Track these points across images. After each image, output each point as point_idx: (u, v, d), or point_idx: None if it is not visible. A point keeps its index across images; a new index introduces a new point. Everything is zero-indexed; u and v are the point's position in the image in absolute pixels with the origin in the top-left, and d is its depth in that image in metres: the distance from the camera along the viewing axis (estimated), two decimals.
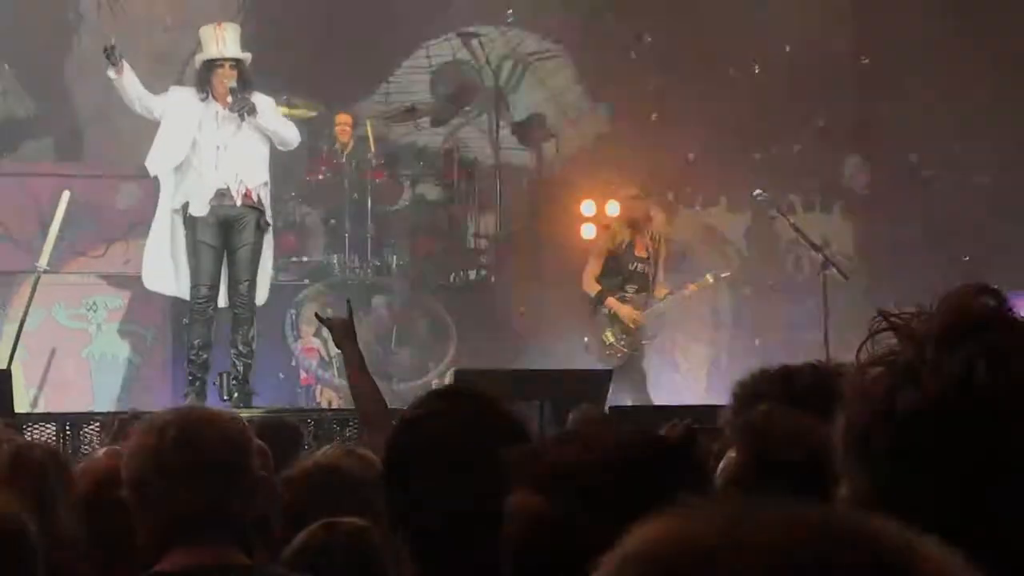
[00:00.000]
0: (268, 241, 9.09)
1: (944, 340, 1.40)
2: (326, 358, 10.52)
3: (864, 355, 1.47)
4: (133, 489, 2.75)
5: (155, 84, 11.53)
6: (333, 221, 10.92)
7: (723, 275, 10.84)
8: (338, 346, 4.80)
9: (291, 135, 8.99)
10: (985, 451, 1.37)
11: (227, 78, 8.74)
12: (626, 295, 10.29)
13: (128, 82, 8.81)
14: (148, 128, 9.38)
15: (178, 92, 9.09)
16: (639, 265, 10.38)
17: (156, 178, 9.05)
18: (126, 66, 8.78)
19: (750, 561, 0.90)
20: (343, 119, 11.16)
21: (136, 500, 2.74)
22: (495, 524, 2.18)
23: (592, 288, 10.26)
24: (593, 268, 10.33)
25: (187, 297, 8.92)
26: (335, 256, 10.84)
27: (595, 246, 10.63)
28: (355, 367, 4.65)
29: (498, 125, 11.96)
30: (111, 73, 8.79)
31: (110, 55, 8.73)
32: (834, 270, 10.29)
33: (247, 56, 8.90)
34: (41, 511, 3.33)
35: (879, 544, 0.93)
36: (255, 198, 8.86)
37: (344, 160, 10.84)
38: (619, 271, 10.34)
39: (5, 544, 2.41)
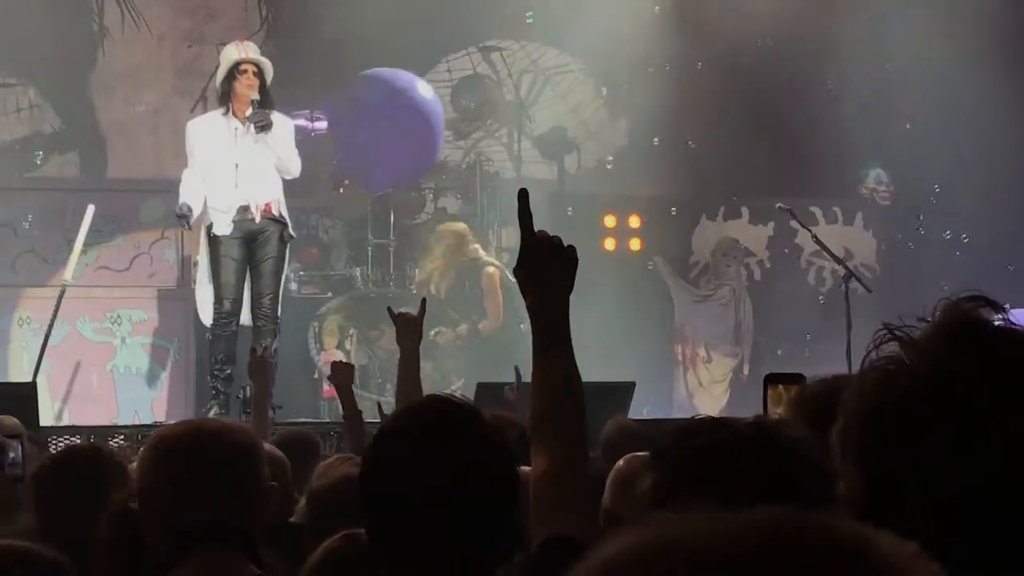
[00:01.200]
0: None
1: (936, 343, 1.45)
2: None
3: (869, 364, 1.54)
4: (143, 499, 2.77)
5: (177, 101, 11.64)
6: (355, 234, 10.96)
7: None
8: (398, 342, 4.80)
9: (294, 165, 8.98)
10: (968, 445, 1.41)
11: (250, 83, 8.78)
12: None
13: (197, 206, 8.79)
14: (171, 143, 9.45)
15: (195, 125, 9.10)
16: None
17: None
18: (193, 209, 8.77)
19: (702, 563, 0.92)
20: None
21: (146, 510, 2.76)
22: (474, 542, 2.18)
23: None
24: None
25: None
26: (358, 269, 10.87)
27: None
28: (405, 367, 4.67)
29: (519, 138, 11.99)
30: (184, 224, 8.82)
31: (183, 217, 8.74)
32: (857, 282, 10.28)
33: (268, 64, 8.94)
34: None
35: (833, 539, 0.95)
36: (276, 212, 8.90)
37: None
38: None
39: None
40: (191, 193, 8.83)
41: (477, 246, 10.65)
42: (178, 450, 2.75)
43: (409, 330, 4.76)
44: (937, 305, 1.50)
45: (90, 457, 3.84)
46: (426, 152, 11.15)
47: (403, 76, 11.21)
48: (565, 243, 2.61)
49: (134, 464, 4.02)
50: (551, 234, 2.62)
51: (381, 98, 11.12)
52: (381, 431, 2.46)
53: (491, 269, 10.57)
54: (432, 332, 10.32)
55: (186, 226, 8.93)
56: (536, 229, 2.60)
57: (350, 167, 10.99)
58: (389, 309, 5.09)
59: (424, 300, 4.91)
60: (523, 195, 2.62)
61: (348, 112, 11.21)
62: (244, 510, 2.71)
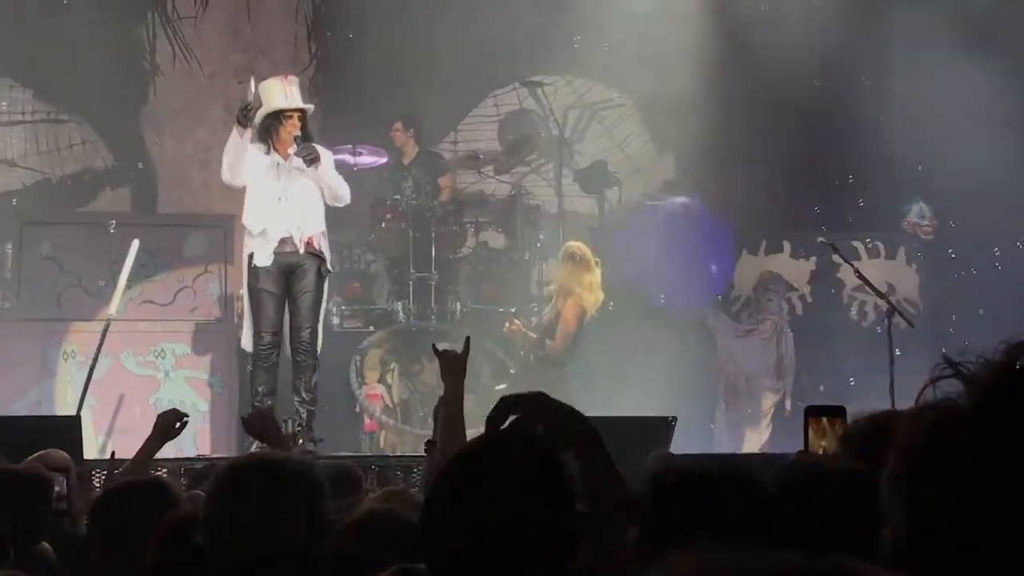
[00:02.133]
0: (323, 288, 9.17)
1: (998, 387, 1.41)
2: (390, 405, 10.57)
3: (924, 399, 1.49)
4: (208, 528, 2.79)
5: (226, 135, 11.69)
6: (397, 269, 11.00)
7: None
8: (443, 379, 4.79)
9: (344, 192, 9.06)
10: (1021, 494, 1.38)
11: (294, 128, 8.86)
12: None
13: (244, 147, 8.82)
14: (218, 178, 9.48)
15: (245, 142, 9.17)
16: None
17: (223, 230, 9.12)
18: (249, 132, 8.82)
19: None
20: (396, 125, 11.33)
21: (211, 539, 2.78)
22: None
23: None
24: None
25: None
26: (399, 303, 10.90)
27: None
28: (448, 405, 4.65)
29: (561, 173, 12.01)
30: (236, 130, 8.82)
31: (245, 115, 8.75)
32: (900, 317, 10.23)
33: (311, 107, 9.03)
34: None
35: None
36: (316, 246, 8.95)
37: (409, 203, 10.91)
38: None
39: None
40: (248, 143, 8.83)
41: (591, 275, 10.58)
42: (245, 482, 2.78)
43: (453, 368, 4.74)
44: (999, 346, 1.46)
45: (148, 489, 3.86)
46: None
47: None
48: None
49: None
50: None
51: None
52: (446, 467, 2.46)
53: (579, 300, 10.53)
54: (507, 324, 10.38)
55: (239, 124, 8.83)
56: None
57: None
58: (434, 346, 5.06)
59: (468, 338, 4.88)
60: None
61: None
62: (306, 541, 2.72)
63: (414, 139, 11.44)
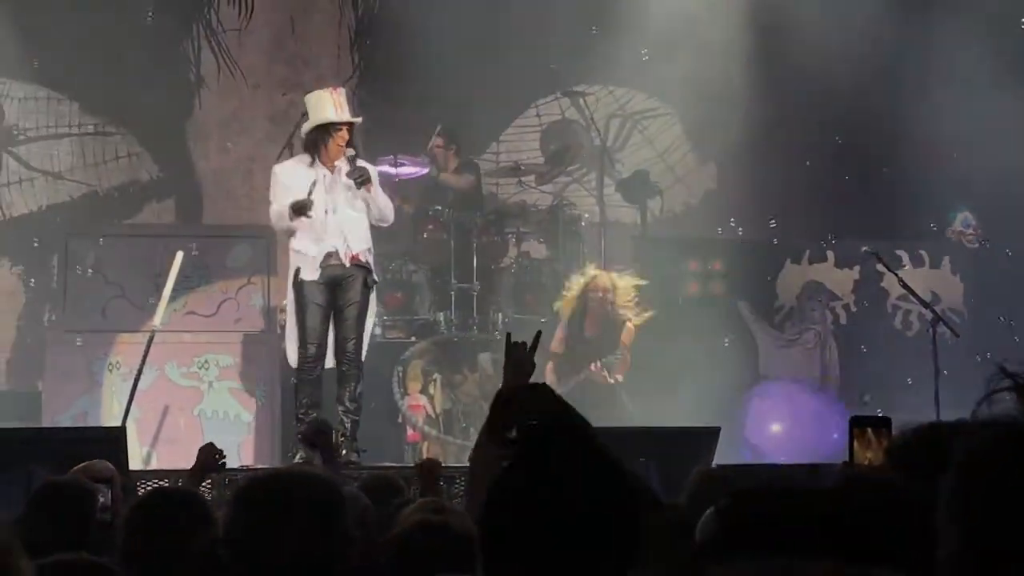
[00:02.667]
0: (371, 299, 9.17)
1: None
2: (432, 415, 10.58)
3: (981, 412, 1.46)
4: (228, 543, 2.81)
5: (271, 148, 11.79)
6: (439, 279, 11.02)
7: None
8: (503, 370, 4.72)
9: (390, 213, 9.06)
10: None
11: (343, 141, 8.86)
12: None
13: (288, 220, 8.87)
14: (264, 189, 9.54)
15: (283, 168, 9.15)
16: None
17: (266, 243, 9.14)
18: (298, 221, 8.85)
19: None
20: (436, 141, 11.35)
21: (231, 554, 2.79)
22: None
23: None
24: None
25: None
26: (441, 314, 10.91)
27: None
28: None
29: (603, 183, 12.01)
30: (287, 213, 8.84)
31: (299, 210, 8.80)
32: (944, 326, 10.17)
33: (359, 120, 9.03)
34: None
35: None
36: (362, 259, 8.96)
37: (451, 215, 10.94)
38: None
39: None
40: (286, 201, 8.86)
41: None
42: (262, 497, 2.79)
43: (519, 365, 4.66)
44: None
45: (177, 500, 3.88)
46: None
47: None
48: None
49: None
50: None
51: None
52: (504, 469, 2.43)
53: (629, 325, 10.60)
54: (592, 366, 10.40)
55: (309, 211, 8.84)
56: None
57: None
58: (508, 335, 4.88)
59: (539, 332, 4.69)
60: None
61: None
62: (325, 557, 2.73)
63: (455, 154, 11.45)
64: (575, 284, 10.66)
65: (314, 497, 2.81)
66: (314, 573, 2.71)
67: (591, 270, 10.73)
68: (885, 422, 3.15)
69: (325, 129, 8.87)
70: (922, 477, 2.29)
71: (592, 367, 10.43)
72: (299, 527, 2.74)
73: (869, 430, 3.15)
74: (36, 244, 12.14)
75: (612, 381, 10.40)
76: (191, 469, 6.13)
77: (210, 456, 6.10)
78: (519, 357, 4.61)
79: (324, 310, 8.91)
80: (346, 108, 8.92)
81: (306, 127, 8.97)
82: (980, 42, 11.94)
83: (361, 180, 8.78)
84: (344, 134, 8.84)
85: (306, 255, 8.87)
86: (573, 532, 2.22)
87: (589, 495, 2.25)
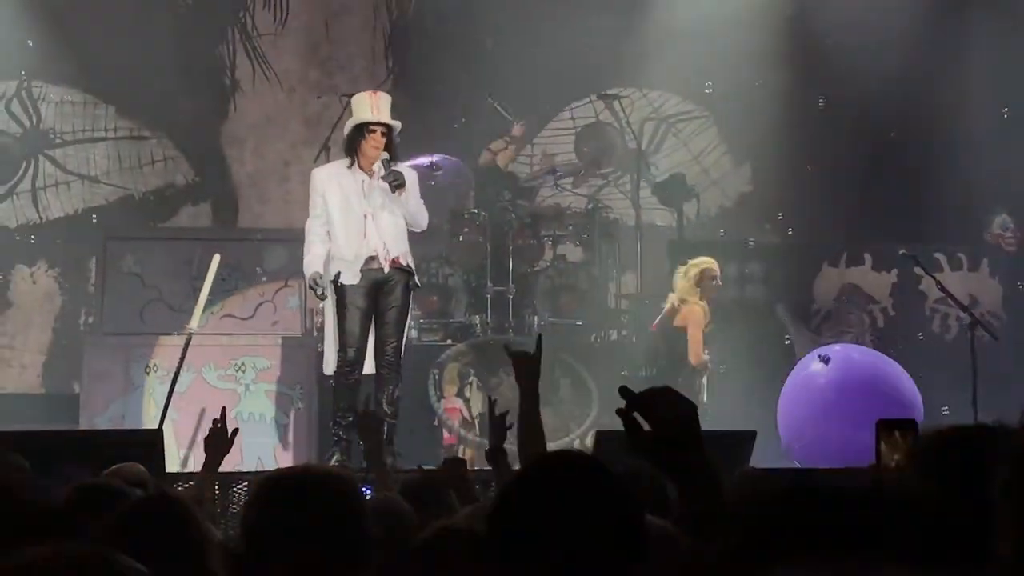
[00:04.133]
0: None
1: None
2: (469, 418, 10.58)
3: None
4: (247, 540, 2.81)
5: (306, 151, 11.82)
6: (475, 282, 11.02)
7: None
8: (517, 381, 4.77)
9: (423, 220, 9.06)
10: None
11: (377, 143, 8.85)
12: None
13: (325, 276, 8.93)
14: (299, 192, 9.59)
15: (320, 173, 9.17)
16: None
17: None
18: (323, 279, 8.89)
19: None
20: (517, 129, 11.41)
21: (250, 551, 2.80)
22: None
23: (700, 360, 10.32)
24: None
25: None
26: (477, 316, 10.91)
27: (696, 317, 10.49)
28: (525, 407, 4.64)
29: (638, 186, 11.99)
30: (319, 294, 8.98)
31: (316, 290, 8.90)
32: (983, 330, 10.11)
33: (397, 124, 9.01)
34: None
35: None
36: (403, 262, 8.96)
37: (487, 216, 10.98)
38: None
39: None
40: (317, 260, 8.90)
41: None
42: (280, 495, 2.79)
43: (527, 371, 4.73)
44: None
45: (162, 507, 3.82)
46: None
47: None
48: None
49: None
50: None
51: None
52: (508, 485, 2.46)
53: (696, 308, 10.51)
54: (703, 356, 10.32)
55: (322, 294, 8.99)
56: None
57: None
58: (506, 346, 5.03)
59: (540, 337, 4.85)
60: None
61: None
62: (341, 559, 2.72)
63: (514, 149, 11.63)
64: (689, 271, 10.50)
65: (331, 495, 2.81)
66: (330, 571, 2.71)
67: (703, 259, 10.57)
68: (911, 424, 3.15)
69: (360, 130, 8.89)
70: (946, 479, 2.29)
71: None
72: (311, 525, 2.74)
73: (896, 432, 3.15)
74: (73, 247, 12.21)
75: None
76: (204, 464, 5.69)
77: (219, 437, 5.63)
78: (522, 360, 4.66)
79: (364, 314, 8.89)
80: (383, 111, 8.92)
81: (347, 127, 9.03)
82: (1019, 41, 11.86)
83: (396, 183, 8.78)
84: (379, 137, 8.84)
85: (345, 259, 8.88)
86: (575, 538, 2.30)
87: (590, 506, 2.33)
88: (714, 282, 10.46)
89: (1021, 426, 1.43)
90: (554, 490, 2.36)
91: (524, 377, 4.68)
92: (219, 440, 5.56)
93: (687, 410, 2.46)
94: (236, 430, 5.64)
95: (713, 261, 10.53)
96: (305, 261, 9.00)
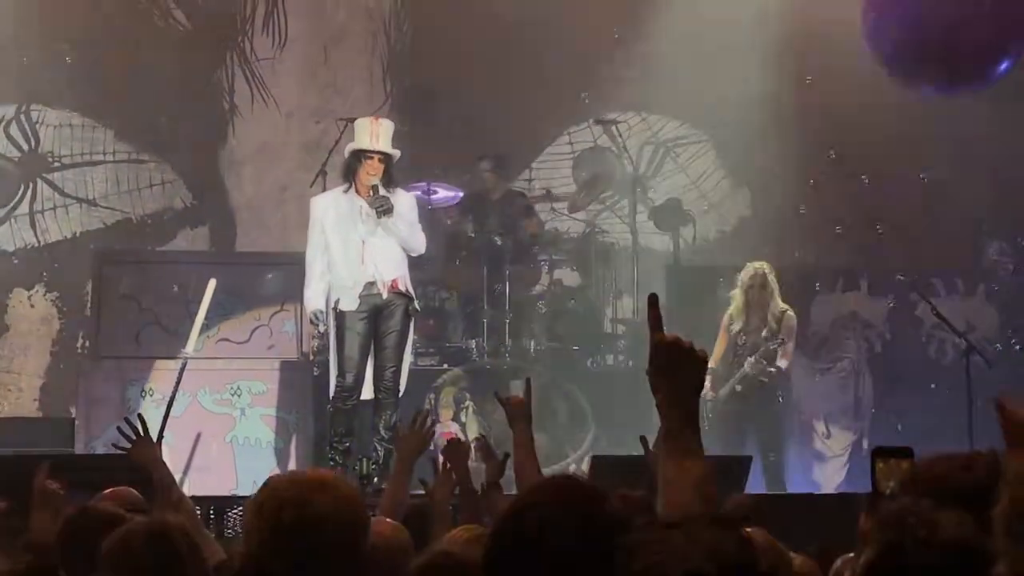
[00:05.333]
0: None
1: None
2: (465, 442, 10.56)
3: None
4: (247, 563, 2.80)
5: (303, 175, 11.83)
6: (471, 306, 11.02)
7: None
8: (510, 425, 4.77)
9: (418, 243, 9.04)
10: None
11: (373, 170, 8.87)
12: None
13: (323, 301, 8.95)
14: (296, 216, 9.60)
15: (318, 202, 9.18)
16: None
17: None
18: (319, 309, 8.92)
19: None
20: (484, 165, 11.39)
21: (249, 573, 2.79)
22: None
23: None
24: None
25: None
26: (473, 341, 10.91)
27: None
28: (522, 449, 4.64)
29: (635, 210, 12.00)
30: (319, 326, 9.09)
31: (318, 325, 9.05)
32: (978, 356, 10.12)
33: (396, 153, 9.01)
34: None
35: None
36: (402, 287, 8.97)
37: (485, 240, 10.97)
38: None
39: None
40: (318, 295, 8.93)
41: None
42: (283, 520, 2.78)
43: (519, 414, 4.76)
44: None
45: (156, 536, 3.81)
46: None
47: None
48: (694, 345, 2.66)
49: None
50: (680, 336, 2.67)
51: None
52: (507, 512, 2.46)
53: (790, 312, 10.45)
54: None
55: (324, 329, 9.07)
56: (667, 333, 2.67)
57: None
58: (496, 394, 5.05)
59: (529, 380, 4.88)
60: (653, 299, 2.70)
61: None
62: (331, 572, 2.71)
63: (503, 180, 11.55)
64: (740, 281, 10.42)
65: (334, 522, 2.79)
66: None
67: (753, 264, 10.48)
68: (907, 452, 3.16)
69: (358, 156, 8.91)
70: (941, 506, 2.29)
71: (747, 365, 10.22)
72: (316, 547, 2.73)
73: (892, 459, 3.17)
74: (70, 271, 12.21)
75: (772, 370, 10.24)
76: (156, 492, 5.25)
77: (141, 449, 5.28)
78: (514, 402, 4.68)
79: (364, 340, 8.90)
80: (382, 140, 8.93)
81: (346, 150, 9.07)
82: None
83: (382, 210, 8.79)
84: (375, 164, 8.86)
85: (344, 285, 8.88)
86: (570, 566, 2.32)
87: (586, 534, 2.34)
88: (750, 288, 10.33)
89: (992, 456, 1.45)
90: (550, 518, 2.35)
91: (515, 420, 4.69)
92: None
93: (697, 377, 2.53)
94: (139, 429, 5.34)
95: (750, 267, 10.42)
96: (306, 295, 9.05)
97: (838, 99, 12.20)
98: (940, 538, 2.39)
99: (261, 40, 12.77)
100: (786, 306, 10.37)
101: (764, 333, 10.17)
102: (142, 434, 5.33)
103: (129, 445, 5.33)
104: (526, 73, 12.42)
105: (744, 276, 10.35)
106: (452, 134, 12.42)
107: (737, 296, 10.36)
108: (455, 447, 5.50)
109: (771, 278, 10.33)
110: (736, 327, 10.31)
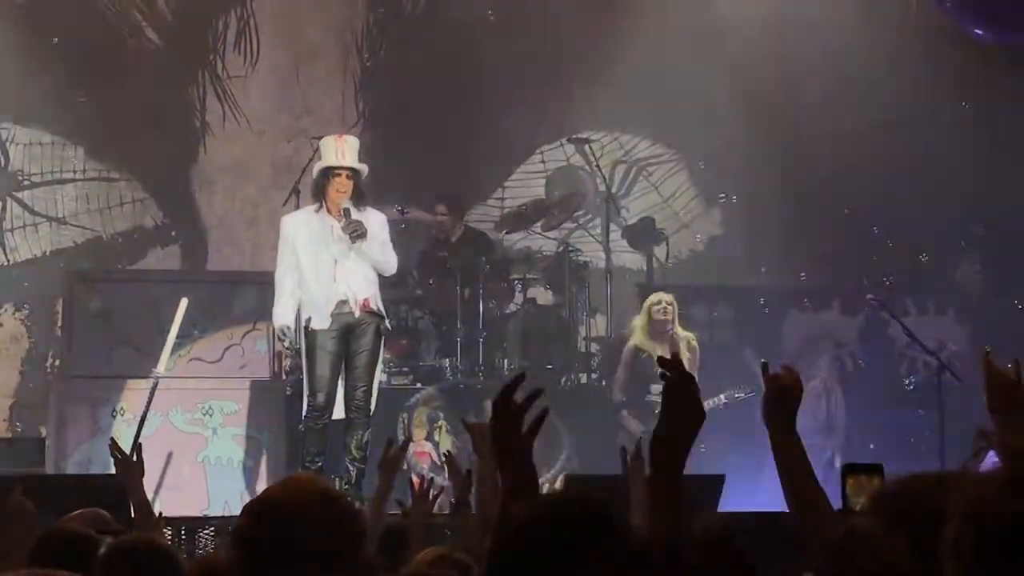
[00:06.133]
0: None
1: None
2: (438, 462, 10.55)
3: (969, 471, 1.49)
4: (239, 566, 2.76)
5: (275, 193, 11.81)
6: (445, 325, 11.01)
7: (739, 395, 10.66)
8: (475, 452, 4.76)
9: (390, 265, 9.07)
10: None
11: (342, 187, 8.88)
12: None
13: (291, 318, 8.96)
14: (267, 235, 9.58)
15: (289, 221, 9.18)
16: None
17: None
18: (287, 325, 8.95)
19: None
20: (440, 208, 11.39)
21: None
22: None
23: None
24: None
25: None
26: (447, 360, 10.90)
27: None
28: (485, 485, 4.62)
29: (608, 229, 12.02)
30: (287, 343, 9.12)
31: (284, 341, 9.09)
32: (949, 373, 10.15)
33: (363, 168, 9.02)
34: None
35: None
36: (373, 306, 8.97)
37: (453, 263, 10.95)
38: None
39: None
40: (287, 312, 8.95)
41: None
42: (263, 526, 2.74)
43: (486, 441, 4.73)
44: None
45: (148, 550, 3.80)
46: None
47: None
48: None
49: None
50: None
51: None
52: (505, 532, 2.44)
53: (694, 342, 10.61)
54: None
55: (290, 345, 9.10)
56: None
57: None
58: (463, 420, 5.06)
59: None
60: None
61: None
62: None
63: (459, 220, 11.49)
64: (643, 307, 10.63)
65: (327, 521, 2.75)
66: None
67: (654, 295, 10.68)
68: (877, 469, 3.18)
69: (326, 174, 8.92)
70: (907, 527, 2.30)
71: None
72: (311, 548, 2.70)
73: (862, 476, 3.19)
74: (40, 289, 12.15)
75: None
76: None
77: (126, 467, 5.37)
78: (479, 428, 4.67)
79: (335, 359, 8.89)
80: (347, 155, 8.95)
81: (314, 171, 9.07)
82: (989, 83, 11.96)
83: (356, 235, 8.80)
84: (343, 180, 8.88)
85: (316, 303, 8.88)
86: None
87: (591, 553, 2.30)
88: (659, 311, 10.53)
89: (974, 454, 1.45)
90: (555, 537, 2.34)
91: (479, 446, 4.68)
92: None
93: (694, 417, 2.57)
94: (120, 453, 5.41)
95: (656, 296, 10.64)
96: (275, 312, 9.05)
97: (811, 118, 12.24)
98: (880, 565, 2.40)
99: (233, 58, 12.75)
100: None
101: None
102: (133, 458, 5.36)
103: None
104: (499, 91, 12.43)
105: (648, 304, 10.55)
106: (424, 153, 12.41)
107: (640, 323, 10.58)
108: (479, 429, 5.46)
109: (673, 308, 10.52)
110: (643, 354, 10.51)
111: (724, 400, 10.43)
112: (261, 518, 2.74)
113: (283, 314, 8.96)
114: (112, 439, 5.55)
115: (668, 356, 2.76)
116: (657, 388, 10.12)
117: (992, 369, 3.26)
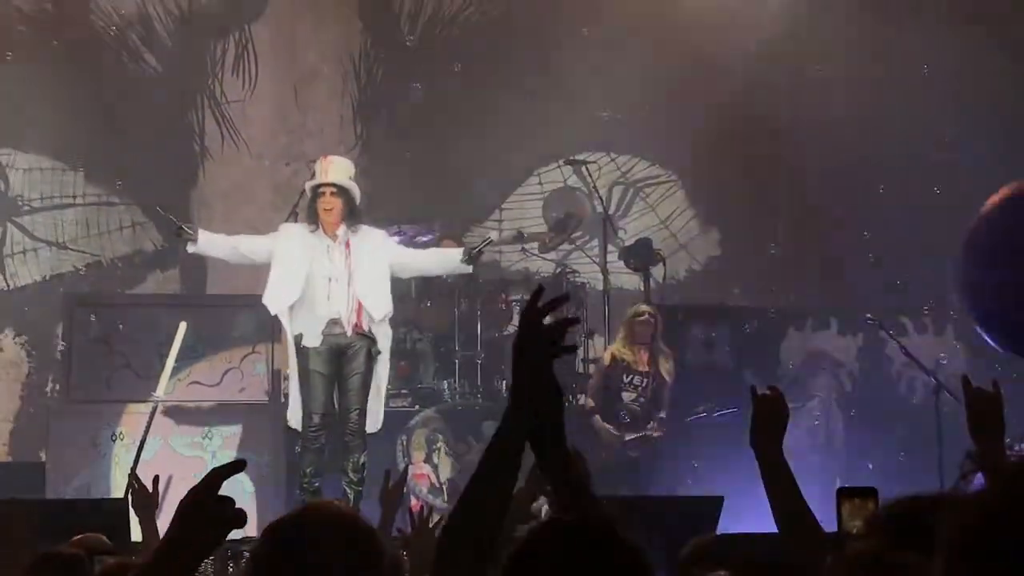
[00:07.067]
0: (385, 367, 9.17)
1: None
2: (436, 484, 10.56)
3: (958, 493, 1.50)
4: None
5: (274, 216, 11.83)
6: (443, 347, 11.02)
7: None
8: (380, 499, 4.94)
9: (419, 253, 9.50)
10: None
11: (328, 204, 8.94)
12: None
13: (209, 246, 9.00)
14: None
15: (289, 228, 9.26)
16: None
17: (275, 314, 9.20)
18: (201, 234, 8.96)
19: None
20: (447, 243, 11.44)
21: None
22: None
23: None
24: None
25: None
26: (445, 382, 10.92)
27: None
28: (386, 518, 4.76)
29: (606, 250, 12.04)
30: (190, 248, 8.98)
31: (181, 233, 8.96)
32: (948, 393, 10.16)
33: (352, 185, 9.05)
34: None
35: None
36: (365, 328, 8.99)
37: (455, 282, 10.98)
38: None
39: None
40: (216, 235, 9.11)
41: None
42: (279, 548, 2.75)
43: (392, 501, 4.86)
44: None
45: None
46: None
47: None
48: None
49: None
50: None
51: None
52: (521, 552, 2.45)
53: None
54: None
55: (177, 231, 9.08)
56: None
57: None
58: (387, 472, 5.30)
59: (407, 466, 5.06)
60: None
61: None
62: None
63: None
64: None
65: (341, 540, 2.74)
66: None
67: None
68: (871, 492, 3.19)
69: (314, 194, 9.00)
70: (904, 548, 2.32)
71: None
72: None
73: (857, 499, 3.20)
74: (40, 314, 12.17)
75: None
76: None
77: (138, 500, 5.55)
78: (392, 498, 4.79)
79: (328, 379, 8.93)
80: (331, 173, 9.02)
81: (308, 188, 9.15)
82: (987, 104, 12.01)
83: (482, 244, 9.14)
84: (328, 197, 8.94)
85: (307, 321, 8.92)
86: None
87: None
88: (641, 321, 10.56)
89: (962, 476, 1.47)
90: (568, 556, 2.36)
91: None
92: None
93: None
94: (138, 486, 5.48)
95: (641, 306, 10.68)
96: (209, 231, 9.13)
97: (811, 138, 12.27)
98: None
99: (231, 82, 12.79)
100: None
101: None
102: (149, 491, 5.44)
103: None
104: (496, 114, 12.46)
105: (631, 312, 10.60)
106: (422, 176, 12.45)
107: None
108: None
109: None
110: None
111: (703, 413, 10.43)
112: (279, 542, 2.73)
113: (210, 232, 9.09)
114: (133, 471, 5.62)
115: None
116: (629, 396, 10.19)
117: (971, 392, 3.29)
